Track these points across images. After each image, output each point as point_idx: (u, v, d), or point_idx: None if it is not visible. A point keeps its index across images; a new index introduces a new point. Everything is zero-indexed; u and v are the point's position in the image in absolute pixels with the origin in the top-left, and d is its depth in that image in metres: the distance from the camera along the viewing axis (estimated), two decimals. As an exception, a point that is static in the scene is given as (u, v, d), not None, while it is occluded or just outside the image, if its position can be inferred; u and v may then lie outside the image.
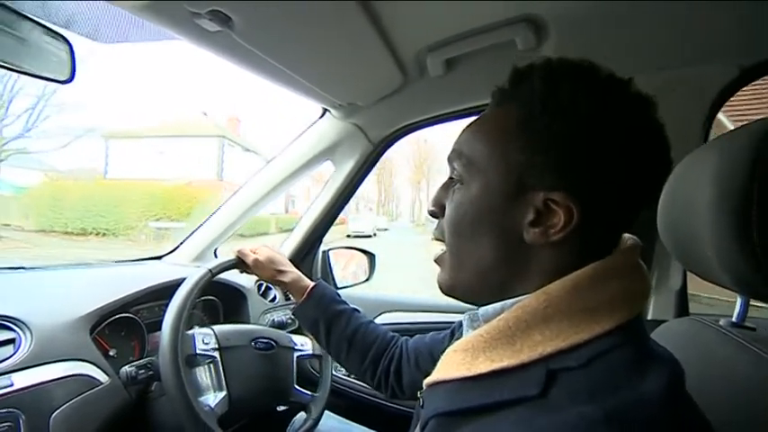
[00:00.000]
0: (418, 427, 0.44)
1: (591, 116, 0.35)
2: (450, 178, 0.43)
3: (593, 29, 0.76)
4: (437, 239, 0.45)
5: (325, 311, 0.76)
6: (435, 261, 0.46)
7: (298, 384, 0.95)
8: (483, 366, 0.36)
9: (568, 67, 0.37)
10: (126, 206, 9.96)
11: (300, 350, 0.97)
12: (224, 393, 0.80)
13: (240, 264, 0.82)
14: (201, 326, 0.93)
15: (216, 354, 0.81)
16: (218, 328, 0.85)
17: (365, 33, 0.74)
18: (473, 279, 0.41)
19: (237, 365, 0.84)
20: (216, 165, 15.47)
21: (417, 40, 0.82)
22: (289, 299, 1.23)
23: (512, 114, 0.38)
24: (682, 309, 0.87)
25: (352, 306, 0.79)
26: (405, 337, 0.77)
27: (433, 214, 0.46)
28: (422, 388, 0.47)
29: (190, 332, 0.80)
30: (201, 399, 0.77)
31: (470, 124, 0.43)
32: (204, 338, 0.81)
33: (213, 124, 16.66)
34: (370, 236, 17.79)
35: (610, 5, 0.70)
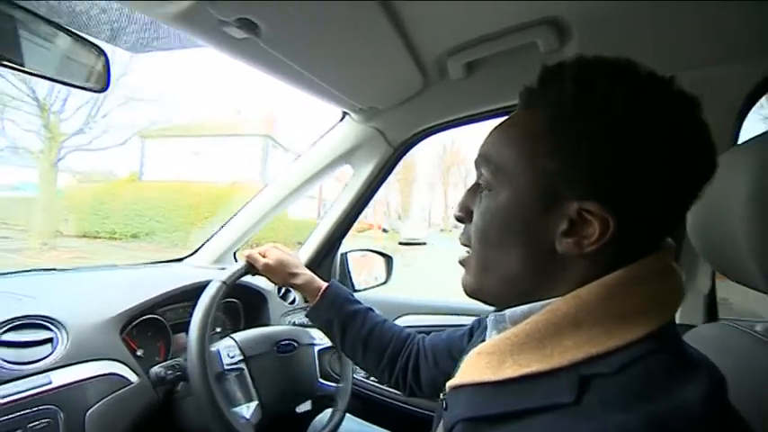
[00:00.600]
0: (441, 430, 0.44)
1: (628, 117, 0.32)
2: (478, 183, 0.42)
3: (615, 29, 0.75)
4: (464, 245, 0.44)
5: (339, 312, 0.75)
6: (460, 262, 0.44)
7: (321, 378, 0.96)
8: (510, 371, 0.35)
9: (603, 66, 0.34)
10: (177, 210, 9.04)
11: (320, 344, 0.97)
12: (256, 402, 0.81)
13: (251, 269, 0.81)
14: (223, 334, 0.96)
15: (242, 365, 0.82)
16: (239, 337, 0.86)
17: (387, 37, 0.75)
18: (499, 286, 0.40)
19: (264, 372, 0.85)
20: (260, 165, 14.44)
21: (438, 43, 0.82)
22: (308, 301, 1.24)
23: (540, 116, 0.36)
24: (711, 313, 0.85)
25: (366, 306, 0.78)
26: (421, 335, 0.76)
27: (459, 219, 0.44)
28: (441, 386, 0.47)
29: (214, 349, 0.81)
30: (236, 410, 0.79)
31: (497, 127, 0.41)
32: (229, 352, 0.82)
33: (258, 123, 15.65)
34: (424, 243, 16.39)
35: (632, 5, 0.69)
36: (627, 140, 0.32)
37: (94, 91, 0.61)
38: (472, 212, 0.42)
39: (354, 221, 1.27)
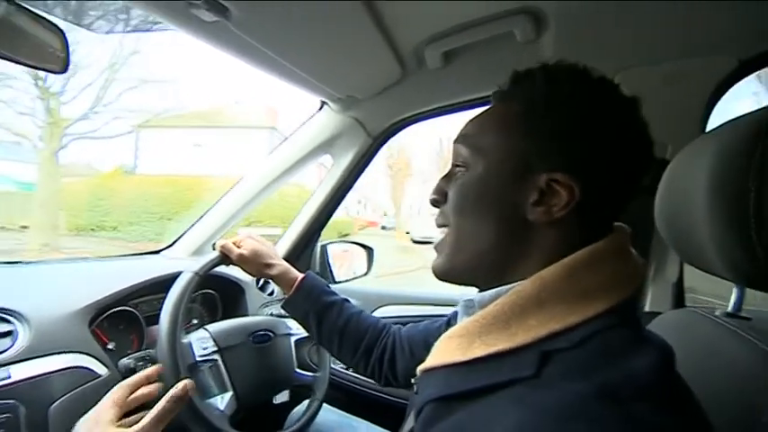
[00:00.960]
0: (413, 413, 0.45)
1: (588, 109, 0.39)
2: (455, 165, 0.45)
3: (592, 21, 0.76)
4: (441, 226, 0.46)
5: (315, 303, 0.75)
6: (435, 247, 0.47)
7: (298, 368, 0.96)
8: (478, 351, 0.37)
9: (566, 69, 0.41)
10: (188, 208, 7.86)
11: (297, 334, 0.97)
12: (230, 393, 0.80)
13: (225, 260, 0.80)
14: (198, 326, 0.94)
15: (216, 356, 0.80)
16: (213, 328, 0.85)
17: (363, 25, 0.74)
18: (473, 260, 0.42)
19: (239, 363, 0.84)
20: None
21: (415, 32, 0.82)
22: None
23: (515, 108, 0.41)
24: (678, 300, 0.88)
25: (342, 296, 0.78)
26: (397, 326, 0.77)
27: (435, 203, 0.47)
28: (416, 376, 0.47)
29: (186, 340, 0.79)
30: (210, 402, 0.77)
31: (476, 116, 0.46)
32: (202, 344, 0.80)
33: (261, 115, 14.68)
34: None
35: None
36: (587, 127, 0.38)
37: (53, 72, 0.58)
38: (446, 194, 0.45)
39: (334, 212, 1.26)
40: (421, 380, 0.44)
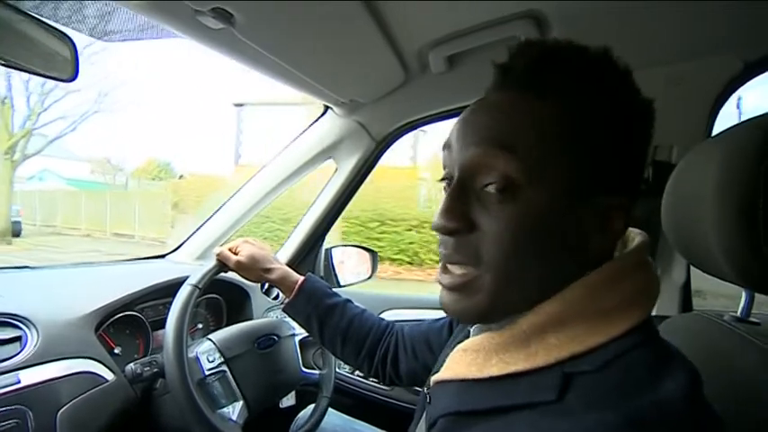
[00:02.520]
0: (423, 424, 0.44)
1: (631, 107, 0.36)
2: (485, 185, 0.35)
3: (596, 23, 0.75)
4: (463, 264, 0.36)
5: (316, 306, 0.74)
6: (454, 287, 0.37)
7: (304, 367, 0.96)
8: (495, 369, 0.35)
9: (617, 69, 0.36)
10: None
11: (301, 333, 0.97)
12: (241, 402, 0.80)
13: (223, 268, 0.79)
14: (205, 332, 0.96)
15: (224, 367, 0.80)
16: (218, 337, 0.84)
17: (367, 30, 0.74)
18: (522, 300, 0.35)
19: (247, 371, 0.83)
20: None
21: (419, 36, 0.82)
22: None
23: (568, 113, 0.34)
24: (686, 304, 0.87)
25: (344, 297, 0.78)
26: (400, 325, 0.76)
27: (452, 231, 0.36)
28: (420, 377, 0.47)
29: (192, 354, 0.79)
30: (222, 412, 0.78)
31: (496, 111, 0.36)
32: (209, 356, 0.80)
33: None
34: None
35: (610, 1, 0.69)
36: (636, 137, 0.36)
37: (62, 80, 0.59)
38: (471, 221, 0.35)
39: (338, 216, 1.26)
40: (434, 391, 0.43)
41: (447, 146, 0.39)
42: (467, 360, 0.38)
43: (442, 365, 0.42)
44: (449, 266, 0.38)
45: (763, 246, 0.36)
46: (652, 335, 0.34)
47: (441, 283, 0.38)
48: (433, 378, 0.42)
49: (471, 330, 0.45)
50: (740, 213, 0.37)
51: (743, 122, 0.41)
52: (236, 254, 0.78)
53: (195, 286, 0.76)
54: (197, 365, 0.78)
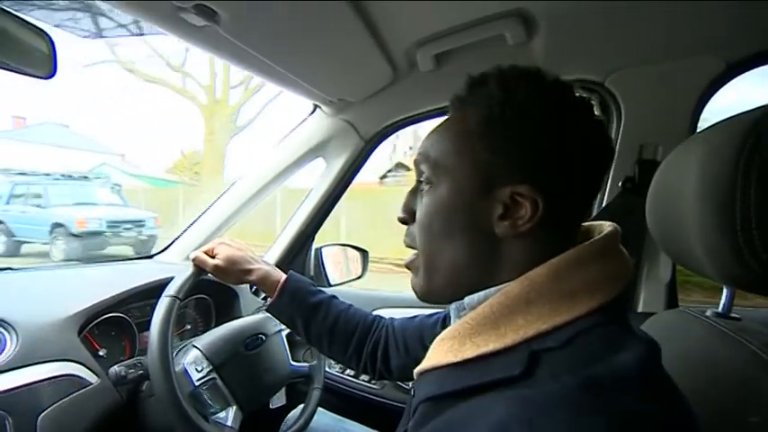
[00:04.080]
0: (410, 414, 0.45)
1: (546, 116, 0.38)
2: (419, 182, 0.45)
3: (582, 23, 0.76)
4: (410, 246, 0.46)
5: (300, 306, 0.73)
6: (407, 266, 0.47)
7: (293, 361, 0.96)
8: (469, 352, 0.37)
9: (521, 73, 0.40)
10: None
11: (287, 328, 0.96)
12: (234, 406, 0.79)
13: (201, 273, 0.76)
14: (194, 332, 0.96)
15: (213, 374, 0.79)
16: (204, 343, 0.82)
17: (354, 28, 0.74)
18: (449, 279, 0.42)
19: (237, 375, 0.82)
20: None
21: (407, 34, 0.82)
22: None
23: (472, 118, 0.40)
24: (671, 301, 0.88)
25: (329, 294, 0.76)
26: (390, 319, 0.76)
27: (403, 221, 0.47)
28: (411, 372, 0.47)
29: (180, 368, 0.77)
30: (216, 419, 0.77)
31: (434, 129, 0.45)
32: (196, 366, 0.78)
33: None
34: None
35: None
36: (546, 134, 0.38)
37: (40, 77, 0.57)
38: (415, 213, 0.45)
39: (327, 215, 1.26)
40: (417, 382, 0.44)
41: None
42: (444, 348, 0.40)
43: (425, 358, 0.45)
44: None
45: (741, 242, 0.36)
46: (616, 316, 0.37)
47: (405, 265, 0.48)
48: (416, 370, 0.44)
49: (451, 321, 0.46)
50: (719, 211, 0.37)
51: (723, 120, 0.41)
52: (213, 257, 0.76)
53: (175, 297, 0.73)
54: (186, 378, 0.76)
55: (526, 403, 0.30)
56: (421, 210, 0.43)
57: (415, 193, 0.46)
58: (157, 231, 7.35)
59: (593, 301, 0.35)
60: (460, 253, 0.41)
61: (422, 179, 0.44)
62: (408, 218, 0.46)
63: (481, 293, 0.41)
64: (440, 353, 0.40)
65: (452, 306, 0.46)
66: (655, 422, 0.28)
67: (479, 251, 0.40)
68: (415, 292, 0.46)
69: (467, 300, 0.42)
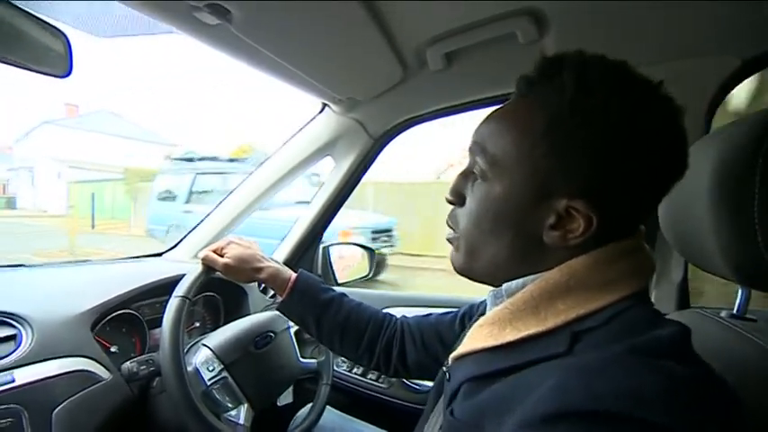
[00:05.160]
0: (445, 396, 0.46)
1: (620, 125, 0.35)
2: (471, 170, 0.44)
3: (594, 21, 0.75)
4: (450, 227, 0.47)
5: (311, 304, 0.73)
6: (448, 239, 0.48)
7: (302, 357, 0.97)
8: (510, 336, 0.38)
9: (604, 69, 0.36)
10: None
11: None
12: (246, 404, 0.80)
13: (210, 272, 0.76)
14: (203, 330, 0.97)
15: (224, 373, 0.79)
16: (214, 342, 0.83)
17: (365, 27, 0.74)
18: (486, 270, 0.44)
19: (248, 373, 0.83)
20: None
21: (417, 33, 0.81)
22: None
23: (539, 113, 0.38)
24: (683, 301, 0.87)
25: (338, 291, 0.76)
26: (403, 316, 0.76)
27: (452, 203, 0.47)
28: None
29: (191, 368, 0.77)
30: (228, 417, 0.78)
31: (493, 115, 0.43)
32: (208, 366, 0.79)
33: None
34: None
35: None
36: (618, 147, 0.35)
37: (55, 76, 0.58)
38: (464, 197, 0.45)
39: (336, 214, 1.26)
40: (453, 366, 0.46)
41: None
42: (484, 333, 0.41)
43: (458, 346, 0.46)
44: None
45: (758, 243, 0.36)
46: (647, 301, 0.39)
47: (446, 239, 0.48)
48: (453, 355, 0.46)
49: (488, 309, 0.47)
50: (735, 211, 0.37)
51: (737, 120, 0.41)
52: (222, 255, 0.76)
53: (184, 297, 0.73)
54: (198, 378, 0.77)
55: (580, 368, 0.31)
56: (471, 200, 0.43)
57: (466, 177, 0.45)
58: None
59: (627, 289, 0.37)
60: (503, 251, 0.41)
61: (474, 170, 0.43)
62: (457, 201, 0.46)
63: (520, 281, 0.41)
64: (479, 338, 0.42)
65: (489, 294, 0.47)
66: (702, 381, 0.30)
67: (523, 253, 0.41)
68: (454, 266, 0.47)
69: (504, 286, 0.43)
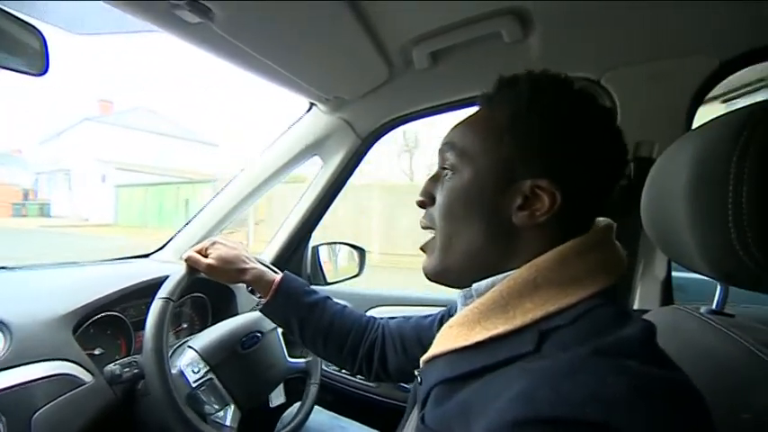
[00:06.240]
0: (418, 401, 0.46)
1: (569, 118, 0.41)
2: (443, 168, 0.47)
3: (578, 22, 0.76)
4: (426, 228, 0.49)
5: (295, 307, 0.72)
6: (422, 248, 0.49)
7: (290, 357, 0.96)
8: (479, 335, 0.39)
9: (550, 78, 0.43)
10: None
11: None
12: (233, 406, 0.79)
13: (194, 273, 0.75)
14: (190, 331, 0.95)
15: (210, 374, 0.78)
16: (200, 344, 0.81)
17: (350, 26, 0.74)
18: (462, 260, 0.45)
19: (234, 375, 0.82)
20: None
21: (402, 32, 0.82)
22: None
23: (501, 114, 0.43)
24: (666, 298, 0.88)
25: (323, 294, 0.76)
26: (385, 320, 0.76)
27: (421, 204, 0.50)
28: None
29: (176, 370, 0.76)
30: (215, 419, 0.77)
31: (462, 121, 0.48)
32: (193, 368, 0.77)
33: None
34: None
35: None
36: (569, 134, 0.41)
37: (32, 74, 0.57)
38: (434, 197, 0.48)
39: (324, 213, 1.25)
40: (424, 369, 0.46)
41: None
42: (453, 334, 0.42)
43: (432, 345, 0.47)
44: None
45: (733, 240, 0.36)
46: (615, 298, 0.40)
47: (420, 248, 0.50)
48: (423, 358, 0.46)
49: (458, 309, 0.48)
50: (711, 207, 0.37)
51: (716, 118, 0.41)
52: (206, 256, 0.75)
53: (167, 299, 0.72)
54: (182, 380, 0.76)
55: (546, 372, 0.32)
56: (443, 194, 0.46)
57: (436, 180, 0.48)
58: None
59: (594, 286, 0.38)
60: (477, 237, 0.43)
61: (446, 166, 0.46)
62: (427, 201, 0.49)
63: (488, 281, 0.43)
64: (449, 339, 0.42)
65: (459, 295, 0.48)
66: (665, 382, 0.30)
67: (495, 237, 0.43)
68: (427, 273, 0.48)
69: (474, 286, 0.44)
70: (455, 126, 0.48)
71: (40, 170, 19.75)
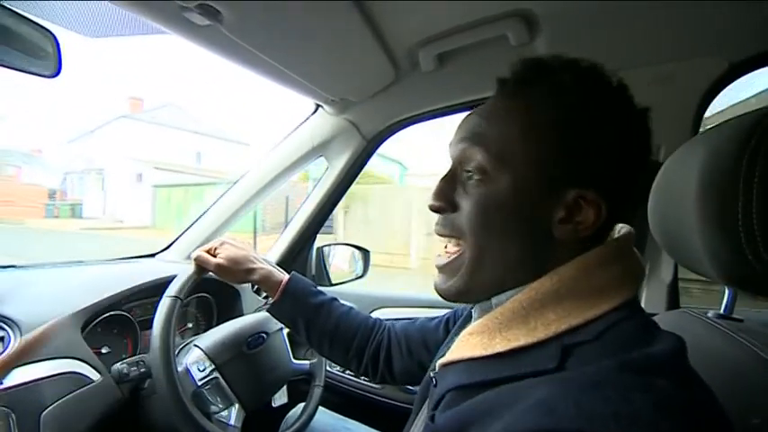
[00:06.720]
0: (431, 402, 0.46)
1: (622, 130, 0.38)
2: (466, 171, 0.41)
3: (585, 24, 0.76)
4: (445, 236, 0.44)
5: (302, 308, 0.73)
6: (440, 266, 0.44)
7: (294, 359, 0.96)
8: (500, 346, 0.37)
9: (602, 82, 0.40)
10: None
11: None
12: (237, 405, 0.80)
13: (202, 273, 0.76)
14: (195, 331, 0.96)
15: (215, 373, 0.79)
16: (206, 343, 0.82)
17: (357, 28, 0.74)
18: (492, 278, 0.41)
19: (239, 374, 0.83)
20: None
21: (409, 34, 0.82)
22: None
23: (543, 113, 0.38)
24: (673, 301, 0.88)
25: (330, 296, 0.76)
26: (390, 323, 0.76)
27: (438, 209, 0.43)
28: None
29: (182, 367, 0.77)
30: (219, 419, 0.77)
31: (484, 110, 0.42)
32: (198, 366, 0.78)
33: None
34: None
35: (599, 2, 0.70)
36: (618, 146, 0.38)
37: (44, 76, 0.58)
38: (453, 203, 0.42)
39: (329, 214, 1.26)
40: (440, 373, 0.45)
41: (450, 143, 0.45)
42: (473, 342, 0.40)
43: (446, 352, 0.45)
44: (444, 243, 0.44)
45: (743, 244, 0.36)
46: (639, 309, 0.38)
47: (436, 266, 0.45)
48: (440, 361, 0.44)
49: (474, 316, 0.46)
50: (721, 211, 0.37)
51: (726, 121, 0.41)
52: (214, 256, 0.75)
53: (176, 297, 0.73)
54: (188, 378, 0.76)
55: (569, 383, 0.30)
56: (471, 202, 0.40)
57: (452, 181, 0.43)
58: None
59: (619, 297, 0.36)
60: (514, 252, 0.39)
61: (469, 168, 0.41)
62: (446, 206, 0.43)
63: (509, 293, 0.40)
64: (468, 346, 0.41)
65: (476, 305, 0.45)
66: (693, 405, 0.29)
67: (534, 251, 0.39)
68: (444, 294, 0.44)
69: (494, 300, 0.42)
70: (475, 118, 0.42)
71: (68, 170, 19.18)
